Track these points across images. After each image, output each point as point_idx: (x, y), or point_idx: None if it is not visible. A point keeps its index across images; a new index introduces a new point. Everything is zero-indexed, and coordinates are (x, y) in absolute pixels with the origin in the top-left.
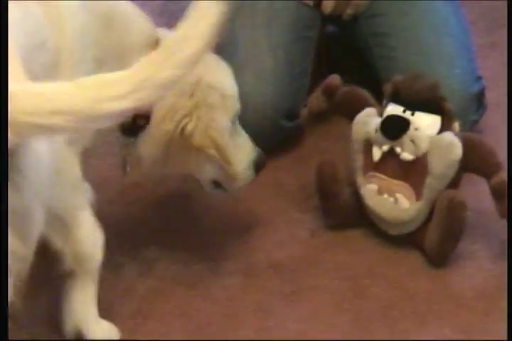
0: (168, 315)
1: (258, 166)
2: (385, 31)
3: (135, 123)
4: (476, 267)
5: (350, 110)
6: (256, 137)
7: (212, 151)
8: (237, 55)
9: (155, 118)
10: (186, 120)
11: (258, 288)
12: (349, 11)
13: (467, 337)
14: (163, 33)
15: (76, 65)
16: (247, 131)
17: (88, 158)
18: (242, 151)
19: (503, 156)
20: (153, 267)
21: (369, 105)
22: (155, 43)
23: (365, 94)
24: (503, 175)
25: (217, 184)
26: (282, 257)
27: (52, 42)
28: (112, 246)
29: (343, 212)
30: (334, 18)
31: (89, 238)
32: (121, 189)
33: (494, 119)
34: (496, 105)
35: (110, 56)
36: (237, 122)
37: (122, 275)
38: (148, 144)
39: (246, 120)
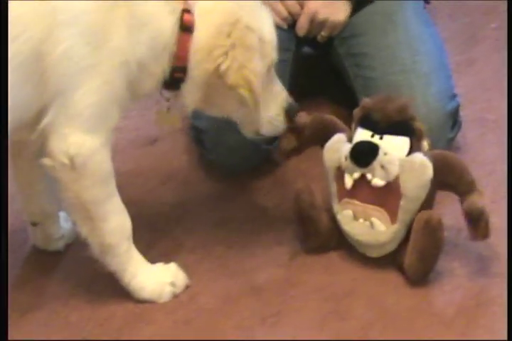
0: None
1: (289, 115)
2: (361, 51)
3: (174, 77)
4: (456, 285)
5: (321, 138)
6: (236, 160)
7: (245, 91)
8: None
9: (193, 60)
10: (222, 58)
11: (238, 311)
12: (324, 33)
13: None
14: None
15: None
16: (225, 154)
17: None
18: (275, 99)
19: (481, 171)
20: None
21: (339, 130)
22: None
23: (333, 119)
24: (476, 197)
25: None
26: (262, 280)
27: None
28: None
29: (323, 237)
30: (309, 40)
31: (115, 231)
32: None
33: (471, 136)
34: (473, 122)
35: None
36: (273, 71)
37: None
38: (189, 89)
39: (223, 144)
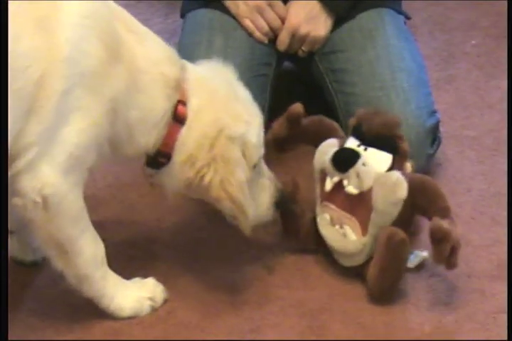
0: None
1: (279, 205)
2: (341, 67)
3: (157, 160)
4: (433, 300)
5: (316, 138)
6: None
7: (228, 203)
8: None
9: (177, 160)
10: (204, 170)
11: (217, 327)
12: (304, 48)
13: None
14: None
15: None
16: None
17: None
18: (264, 191)
19: (460, 188)
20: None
21: (335, 136)
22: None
23: (333, 124)
24: (444, 222)
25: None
26: (241, 295)
27: None
28: None
29: (303, 236)
30: (290, 55)
31: (89, 261)
32: None
33: (450, 152)
34: (452, 138)
35: None
36: (261, 164)
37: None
38: (171, 179)
39: None
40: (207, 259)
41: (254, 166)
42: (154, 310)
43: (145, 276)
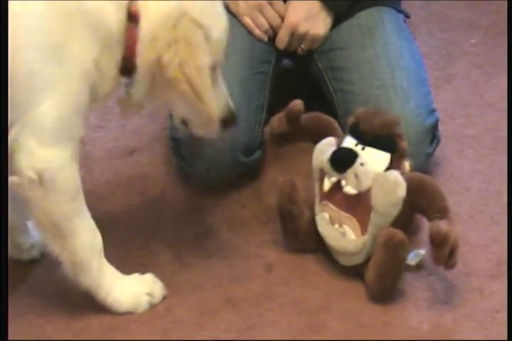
0: None
1: (225, 123)
2: (340, 65)
3: (125, 66)
4: (432, 299)
5: (315, 136)
6: (212, 173)
7: (185, 87)
8: None
9: (139, 49)
10: (164, 50)
11: (215, 324)
12: (303, 47)
13: None
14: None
15: None
16: (202, 167)
17: None
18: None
19: (459, 187)
20: None
21: (334, 134)
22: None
23: (332, 122)
24: (443, 223)
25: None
26: (239, 292)
27: None
28: None
29: (302, 235)
30: (289, 53)
31: (86, 247)
32: None
33: (449, 151)
34: (452, 137)
35: None
36: (220, 73)
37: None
38: (137, 79)
39: (201, 156)
40: (205, 256)
41: (214, 69)
42: (153, 306)
43: (143, 273)
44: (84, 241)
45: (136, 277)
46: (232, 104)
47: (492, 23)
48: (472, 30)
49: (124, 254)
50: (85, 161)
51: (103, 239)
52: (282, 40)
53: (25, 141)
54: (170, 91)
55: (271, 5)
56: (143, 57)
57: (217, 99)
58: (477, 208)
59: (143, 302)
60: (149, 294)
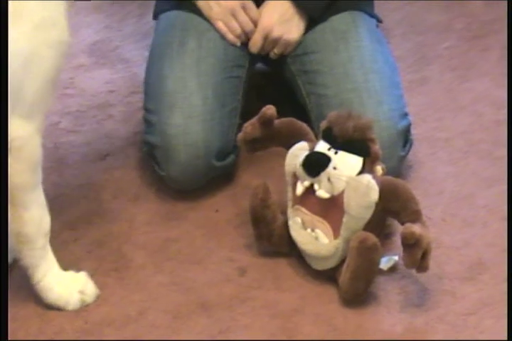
0: None
1: None
2: (314, 69)
3: None
4: (404, 302)
5: (287, 140)
6: (186, 177)
7: None
8: (166, 94)
9: None
10: None
11: (188, 328)
12: (277, 51)
13: None
14: None
15: None
16: (176, 171)
17: None
18: None
19: (432, 190)
20: (83, 309)
21: (307, 139)
22: None
23: (305, 127)
24: (416, 227)
25: None
26: (212, 296)
27: None
28: None
29: (275, 239)
30: (263, 56)
31: (34, 221)
32: None
33: (422, 154)
34: (425, 140)
35: None
36: None
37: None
38: None
39: (175, 160)
40: (179, 260)
41: None
42: (85, 305)
43: (119, 278)
44: (34, 216)
45: (70, 273)
46: None
47: (466, 26)
48: (446, 34)
49: (96, 258)
50: (58, 165)
51: (75, 243)
52: (255, 44)
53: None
54: None
55: (244, 9)
56: None
57: None
58: (450, 211)
59: (74, 299)
60: (81, 292)
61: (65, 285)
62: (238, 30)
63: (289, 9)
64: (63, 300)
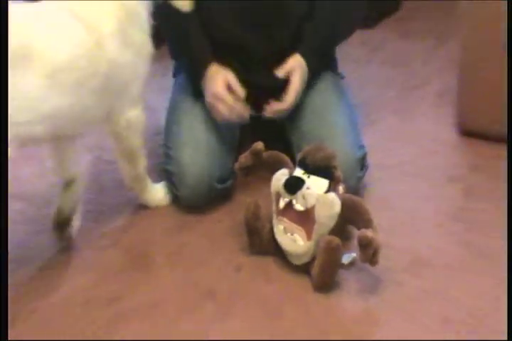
0: None
1: None
2: (297, 114)
3: None
4: (361, 289)
5: (273, 168)
6: (194, 196)
7: None
8: (181, 135)
9: None
10: None
11: (197, 311)
12: (269, 116)
13: None
14: None
15: None
16: (187, 192)
17: None
18: None
19: (380, 205)
20: (114, 298)
21: (286, 166)
22: None
23: (285, 158)
24: (369, 232)
25: None
26: (215, 288)
27: None
28: None
29: (264, 243)
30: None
31: (143, 165)
32: None
33: (375, 176)
34: (377, 165)
35: None
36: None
37: None
38: None
39: (186, 184)
40: (189, 260)
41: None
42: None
43: (145, 272)
44: (143, 163)
45: (157, 186)
46: None
47: (406, 79)
48: (391, 86)
49: (127, 259)
50: (99, 189)
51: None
52: (288, 105)
53: (120, 107)
54: None
55: (231, 93)
56: None
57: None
58: (396, 220)
59: (166, 197)
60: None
61: (161, 194)
62: (225, 116)
63: (306, 76)
64: (161, 200)
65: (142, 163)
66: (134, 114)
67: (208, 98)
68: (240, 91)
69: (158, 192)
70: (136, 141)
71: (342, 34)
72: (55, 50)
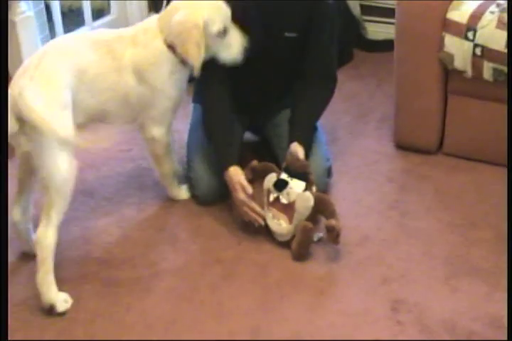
0: None
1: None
2: (281, 134)
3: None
4: (326, 257)
5: (264, 174)
6: (207, 196)
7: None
8: (197, 152)
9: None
10: (178, 42)
11: (209, 272)
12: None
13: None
14: None
15: None
16: (201, 193)
17: None
18: (234, 42)
19: (341, 200)
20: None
21: (274, 172)
22: None
23: (273, 166)
24: (333, 220)
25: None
26: (223, 256)
27: None
28: None
29: (258, 225)
30: (251, 128)
31: (171, 168)
32: None
33: (336, 179)
34: (336, 171)
35: None
36: (231, 29)
37: None
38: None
39: (201, 187)
40: (205, 234)
41: (219, 34)
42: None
43: (174, 251)
44: (169, 166)
45: (184, 186)
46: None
47: (358, 109)
48: (346, 113)
49: (158, 235)
50: (141, 190)
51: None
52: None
53: (147, 124)
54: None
55: (253, 199)
56: (180, 52)
57: (235, 42)
58: (350, 209)
59: (187, 195)
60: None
61: (185, 190)
62: (253, 216)
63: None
64: (186, 195)
65: (168, 167)
66: (158, 133)
67: (236, 202)
68: (250, 190)
69: (181, 190)
70: (160, 152)
71: (320, 113)
72: (88, 67)
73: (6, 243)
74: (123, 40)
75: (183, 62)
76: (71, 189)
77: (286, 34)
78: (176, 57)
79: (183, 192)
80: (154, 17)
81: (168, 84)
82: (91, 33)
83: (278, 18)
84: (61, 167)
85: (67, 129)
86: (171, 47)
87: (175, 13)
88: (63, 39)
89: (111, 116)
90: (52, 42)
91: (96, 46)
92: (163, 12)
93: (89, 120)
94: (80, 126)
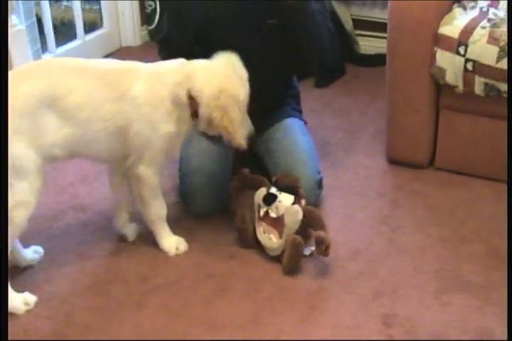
0: None
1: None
2: (272, 148)
3: (192, 116)
4: (316, 271)
5: (255, 187)
6: (201, 210)
7: (221, 128)
8: (190, 163)
9: (201, 109)
10: (213, 110)
11: (188, 293)
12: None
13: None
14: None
15: None
16: (196, 208)
17: None
18: (244, 127)
19: (331, 214)
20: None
21: (265, 185)
22: None
23: (264, 180)
24: (322, 233)
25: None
26: (215, 270)
27: None
28: None
29: (249, 240)
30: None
31: (156, 213)
32: None
33: (327, 194)
34: (327, 186)
35: None
36: (245, 112)
37: None
38: (200, 122)
39: (197, 201)
40: (195, 249)
41: (242, 112)
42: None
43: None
44: (155, 212)
45: (175, 237)
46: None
47: (349, 125)
48: (338, 129)
49: (153, 249)
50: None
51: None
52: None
53: (135, 163)
54: (215, 128)
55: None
56: (202, 113)
57: (243, 129)
58: (342, 223)
59: (181, 247)
60: (177, 248)
61: (174, 242)
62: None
63: None
64: (173, 250)
65: (153, 212)
66: (144, 172)
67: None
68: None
69: (171, 242)
70: (144, 193)
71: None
72: (68, 94)
73: (6, 243)
74: (132, 72)
75: (192, 116)
76: None
77: (269, 21)
78: (189, 108)
79: (172, 245)
80: (181, 60)
81: (172, 127)
82: (88, 61)
83: (255, 4)
84: None
85: (13, 154)
86: (191, 98)
87: (208, 73)
88: (49, 61)
89: (98, 150)
90: (38, 61)
91: (88, 74)
92: (195, 64)
93: (68, 153)
94: (58, 159)
